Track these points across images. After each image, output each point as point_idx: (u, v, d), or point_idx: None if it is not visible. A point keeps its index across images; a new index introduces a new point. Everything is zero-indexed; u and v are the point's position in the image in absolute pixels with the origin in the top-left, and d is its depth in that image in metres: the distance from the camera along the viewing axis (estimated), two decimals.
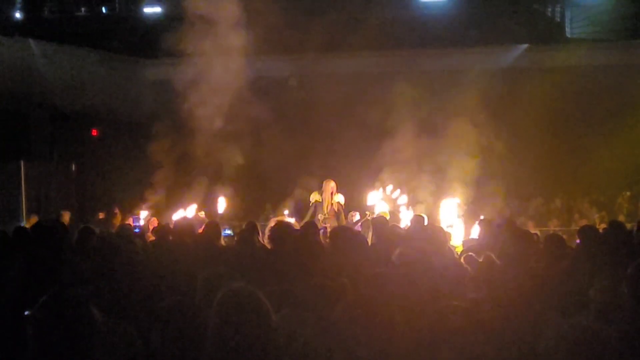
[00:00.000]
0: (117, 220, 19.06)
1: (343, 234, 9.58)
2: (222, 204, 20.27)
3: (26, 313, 4.53)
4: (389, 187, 20.38)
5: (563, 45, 27.82)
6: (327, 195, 19.00)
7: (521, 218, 24.77)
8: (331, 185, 19.04)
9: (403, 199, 20.11)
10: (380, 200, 19.58)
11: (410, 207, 19.76)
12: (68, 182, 25.96)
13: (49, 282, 6.57)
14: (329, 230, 16.27)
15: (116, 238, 10.50)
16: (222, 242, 12.02)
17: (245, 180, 22.17)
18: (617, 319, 5.56)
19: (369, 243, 11.56)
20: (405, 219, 18.10)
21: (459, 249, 12.85)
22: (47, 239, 10.18)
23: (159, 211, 20.53)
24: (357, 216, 19.58)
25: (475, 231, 15.52)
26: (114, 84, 27.66)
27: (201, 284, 6.18)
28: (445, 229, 16.60)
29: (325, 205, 18.98)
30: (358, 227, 18.24)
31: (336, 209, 18.80)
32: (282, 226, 10.25)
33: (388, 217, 17.82)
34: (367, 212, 18.83)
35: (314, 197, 19.26)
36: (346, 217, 19.26)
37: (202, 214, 19.63)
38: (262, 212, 25.48)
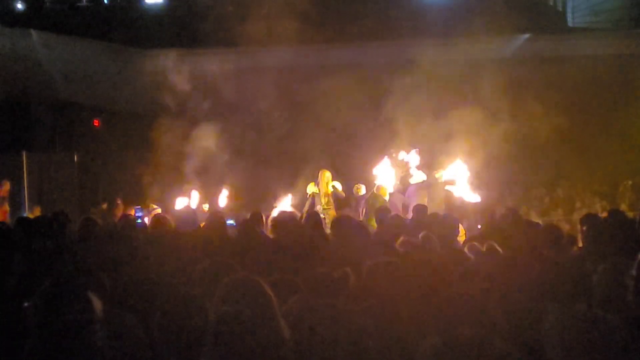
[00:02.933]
0: (119, 211, 19.04)
1: (345, 224, 9.58)
2: (223, 197, 20.22)
3: (25, 305, 4.53)
4: (401, 153, 20.08)
5: (565, 35, 27.80)
6: (322, 186, 18.92)
7: (523, 207, 24.78)
8: (326, 175, 18.95)
9: (415, 159, 19.86)
10: (386, 169, 19.45)
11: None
12: (70, 173, 25.93)
13: (50, 273, 6.57)
14: (327, 221, 16.27)
15: (118, 228, 10.50)
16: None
17: (248, 171, 22.11)
18: (620, 307, 5.56)
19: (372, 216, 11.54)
20: (417, 178, 18.26)
21: (462, 238, 12.86)
22: (48, 230, 10.19)
23: (161, 202, 20.50)
24: (363, 189, 19.57)
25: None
26: (116, 75, 27.64)
27: (199, 274, 6.18)
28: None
29: (322, 195, 18.90)
30: (363, 203, 18.30)
31: (337, 195, 18.73)
32: (284, 216, 10.26)
33: (387, 194, 18.01)
34: (377, 184, 18.78)
35: (311, 188, 19.21)
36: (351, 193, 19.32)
37: (205, 207, 19.60)
38: (264, 202, 25.44)
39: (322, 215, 17.55)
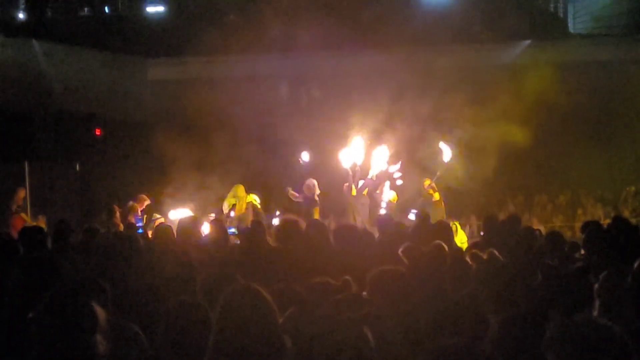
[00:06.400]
0: (117, 219, 18.99)
1: (348, 233, 9.58)
2: (226, 207, 20.16)
3: (29, 315, 4.53)
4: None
5: (566, 41, 27.82)
6: (236, 199, 19.27)
7: (526, 214, 24.78)
8: (239, 189, 19.33)
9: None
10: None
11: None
12: (72, 183, 25.93)
13: (52, 282, 6.57)
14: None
15: (120, 237, 10.51)
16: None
17: (250, 180, 22.07)
18: (622, 315, 5.56)
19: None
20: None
21: (465, 246, 12.87)
22: (41, 241, 10.18)
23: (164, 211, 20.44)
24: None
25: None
26: (118, 84, 27.67)
27: (201, 284, 6.18)
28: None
29: (238, 207, 19.24)
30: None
31: (252, 209, 19.08)
32: (288, 224, 10.24)
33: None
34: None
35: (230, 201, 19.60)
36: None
37: (212, 216, 19.56)
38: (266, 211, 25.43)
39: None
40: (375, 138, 20.67)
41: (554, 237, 9.89)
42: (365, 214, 19.22)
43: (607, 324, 3.95)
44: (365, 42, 25.76)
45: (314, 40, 24.65)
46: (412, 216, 18.47)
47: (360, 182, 19.82)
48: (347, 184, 19.74)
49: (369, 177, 19.99)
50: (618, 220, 10.74)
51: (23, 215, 20.73)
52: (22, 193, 20.87)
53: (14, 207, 20.31)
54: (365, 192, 19.59)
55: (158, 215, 19.24)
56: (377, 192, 19.83)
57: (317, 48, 25.87)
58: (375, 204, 19.74)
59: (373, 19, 25.45)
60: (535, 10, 27.51)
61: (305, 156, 20.58)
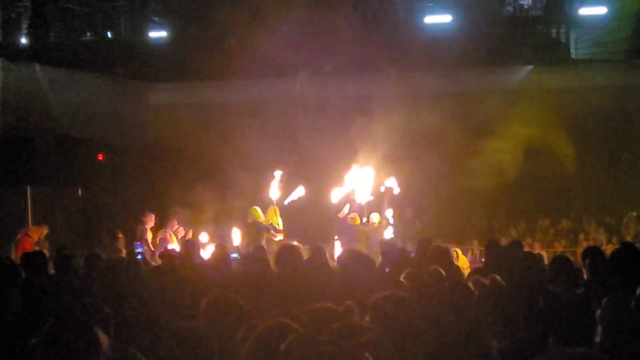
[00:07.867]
0: (122, 244, 18.95)
1: (352, 257, 9.57)
2: (236, 236, 20.04)
3: (32, 340, 4.53)
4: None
5: (568, 66, 27.86)
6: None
7: (528, 239, 24.77)
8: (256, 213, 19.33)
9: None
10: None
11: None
12: (74, 207, 25.90)
13: (55, 308, 6.57)
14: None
15: (122, 263, 10.51)
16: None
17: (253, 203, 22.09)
18: (624, 341, 5.56)
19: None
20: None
21: (467, 272, 12.86)
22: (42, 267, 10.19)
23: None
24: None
25: None
26: (120, 109, 27.71)
27: (204, 309, 6.18)
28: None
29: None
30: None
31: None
32: (288, 249, 10.23)
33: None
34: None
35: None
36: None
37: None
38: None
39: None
40: (367, 163, 20.71)
41: (560, 262, 9.85)
42: (348, 239, 19.21)
43: (601, 357, 3.94)
44: (366, 66, 25.84)
45: (317, 65, 24.73)
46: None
47: (346, 208, 19.83)
48: (349, 211, 19.75)
49: (357, 202, 20.02)
50: (625, 246, 10.68)
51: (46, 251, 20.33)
52: (44, 230, 20.43)
53: (34, 236, 19.96)
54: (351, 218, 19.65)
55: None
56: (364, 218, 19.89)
57: (319, 72, 25.95)
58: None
59: (374, 44, 25.50)
60: (537, 36, 27.56)
61: (277, 174, 20.48)
